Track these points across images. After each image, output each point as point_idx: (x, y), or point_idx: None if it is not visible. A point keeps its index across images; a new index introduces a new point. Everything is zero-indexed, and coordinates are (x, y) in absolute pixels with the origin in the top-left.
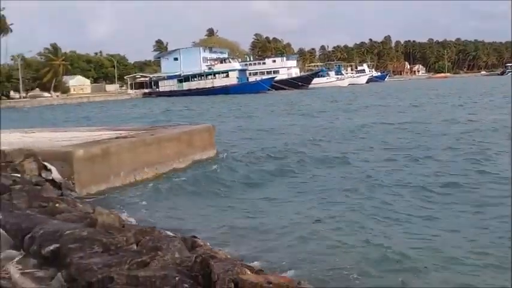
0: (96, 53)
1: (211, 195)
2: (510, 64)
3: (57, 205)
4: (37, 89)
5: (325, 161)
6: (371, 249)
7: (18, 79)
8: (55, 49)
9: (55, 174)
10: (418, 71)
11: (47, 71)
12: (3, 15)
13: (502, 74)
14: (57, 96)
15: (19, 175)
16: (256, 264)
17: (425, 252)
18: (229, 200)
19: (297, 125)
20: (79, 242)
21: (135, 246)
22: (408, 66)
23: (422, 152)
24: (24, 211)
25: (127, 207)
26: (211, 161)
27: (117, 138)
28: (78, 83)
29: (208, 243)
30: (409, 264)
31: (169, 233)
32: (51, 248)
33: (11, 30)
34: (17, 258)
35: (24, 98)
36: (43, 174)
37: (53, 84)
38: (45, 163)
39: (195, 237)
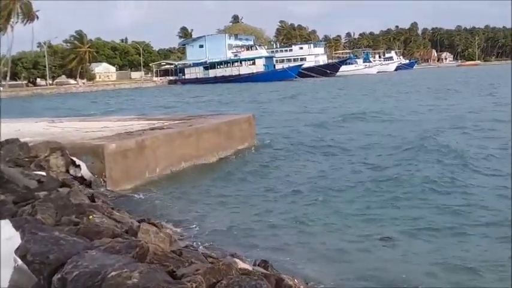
0: (121, 40)
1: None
2: None
3: (90, 217)
4: (63, 76)
5: None
6: None
7: (45, 66)
8: (81, 36)
9: (84, 171)
10: (446, 59)
11: (73, 58)
12: (29, 2)
13: None
14: (83, 83)
15: (44, 173)
16: None
17: None
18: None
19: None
20: None
21: None
22: (435, 54)
23: None
24: (50, 232)
25: (167, 213)
26: (251, 152)
27: (151, 129)
28: (104, 70)
29: (296, 280)
30: None
31: (241, 263)
32: None
33: (37, 17)
34: None
35: (50, 85)
36: (71, 171)
37: (79, 71)
38: (74, 158)
39: (266, 262)
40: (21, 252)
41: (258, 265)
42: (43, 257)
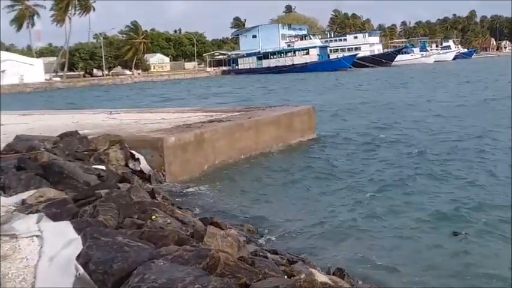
0: (175, 31)
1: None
2: None
3: (153, 217)
4: (119, 66)
5: None
6: None
7: (101, 57)
8: (136, 27)
9: (143, 165)
10: (505, 47)
11: (128, 49)
12: None
13: None
14: (138, 73)
15: (104, 167)
16: None
17: None
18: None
19: None
20: None
21: None
22: (494, 43)
23: None
24: (113, 237)
25: (227, 210)
26: (312, 145)
27: (210, 121)
28: (158, 61)
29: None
30: None
31: (318, 273)
32: None
33: (94, 9)
34: None
35: (107, 75)
36: (130, 165)
37: (134, 62)
38: (133, 151)
39: (341, 270)
40: (83, 259)
41: (333, 274)
42: (106, 266)
